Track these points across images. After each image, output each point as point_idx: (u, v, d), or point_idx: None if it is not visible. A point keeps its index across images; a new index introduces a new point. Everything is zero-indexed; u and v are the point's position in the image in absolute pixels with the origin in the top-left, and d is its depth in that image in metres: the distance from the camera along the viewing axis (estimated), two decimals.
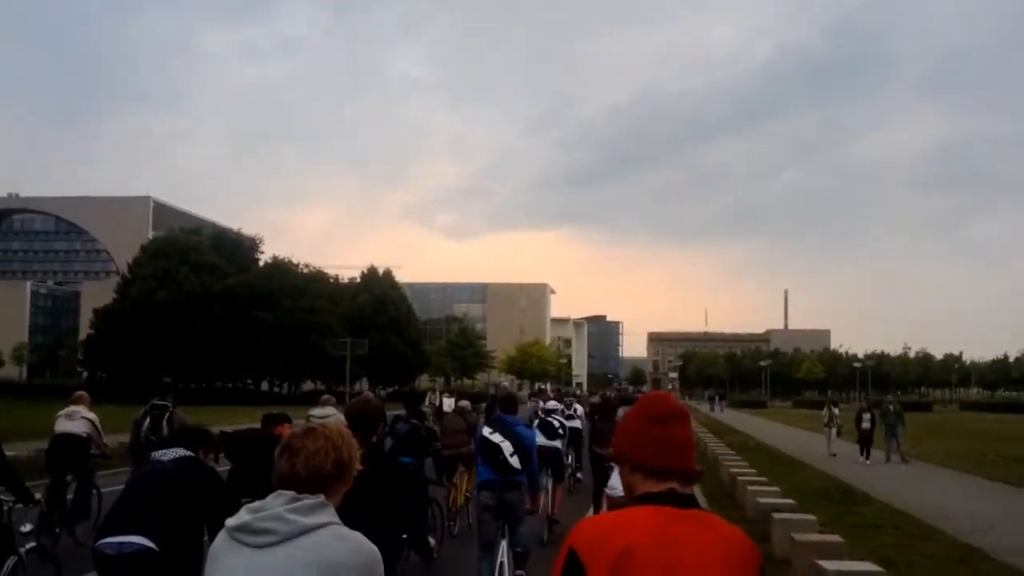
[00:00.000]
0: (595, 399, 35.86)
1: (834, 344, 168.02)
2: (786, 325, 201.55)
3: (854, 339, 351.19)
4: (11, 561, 6.66)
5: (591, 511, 12.35)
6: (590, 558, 2.11)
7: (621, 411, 13.87)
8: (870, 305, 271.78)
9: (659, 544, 2.10)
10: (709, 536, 2.16)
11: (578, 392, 60.16)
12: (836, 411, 28.24)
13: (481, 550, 7.99)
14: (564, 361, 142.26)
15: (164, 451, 5.58)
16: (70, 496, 11.34)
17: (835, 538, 9.82)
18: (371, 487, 3.72)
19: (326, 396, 13.40)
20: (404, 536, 5.34)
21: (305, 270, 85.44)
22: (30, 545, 6.97)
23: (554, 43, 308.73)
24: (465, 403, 15.81)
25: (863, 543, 11.34)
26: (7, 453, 7.38)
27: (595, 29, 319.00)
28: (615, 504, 7.53)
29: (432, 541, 6.61)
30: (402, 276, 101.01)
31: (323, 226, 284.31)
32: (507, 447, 8.09)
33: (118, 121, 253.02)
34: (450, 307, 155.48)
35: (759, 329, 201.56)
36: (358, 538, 2.51)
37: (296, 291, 74.51)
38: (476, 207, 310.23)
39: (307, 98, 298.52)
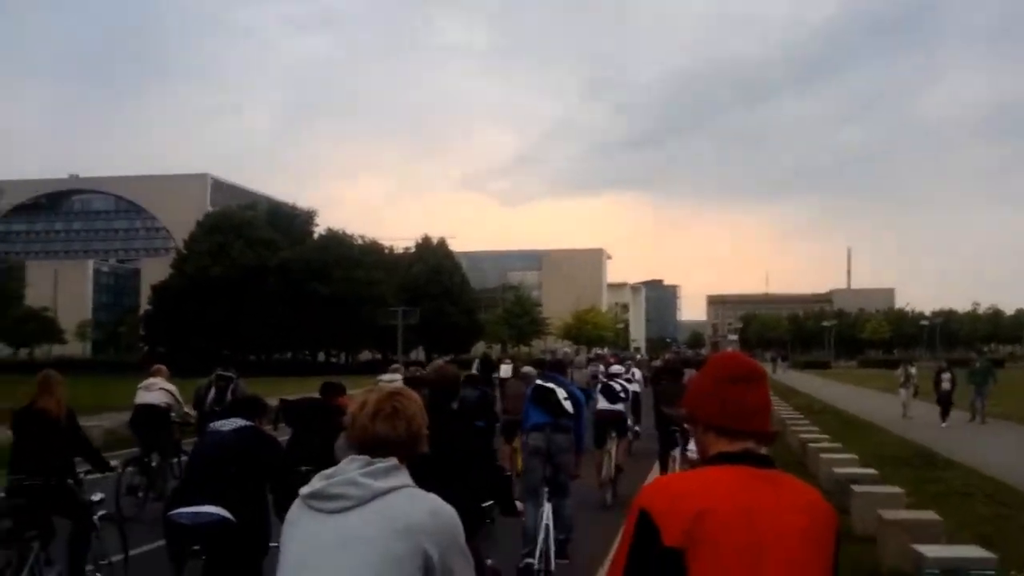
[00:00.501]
0: (657, 362, 34.74)
1: (899, 303, 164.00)
2: (849, 284, 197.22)
3: (920, 297, 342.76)
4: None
5: (656, 474, 12.14)
6: (664, 519, 2.03)
7: (688, 373, 13.90)
8: (936, 262, 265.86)
9: (736, 510, 2.03)
10: (787, 501, 2.08)
11: (637, 356, 59.09)
12: (912, 370, 26.52)
13: (528, 495, 7.94)
14: (621, 326, 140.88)
15: (223, 421, 5.71)
16: (154, 463, 11.84)
17: (930, 515, 8.70)
18: (447, 452, 3.70)
19: (396, 364, 13.77)
20: (487, 505, 5.25)
21: (359, 241, 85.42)
22: (102, 512, 7.21)
23: (609, 4, 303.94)
24: (529, 369, 15.54)
25: (953, 515, 10.12)
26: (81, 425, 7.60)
27: None
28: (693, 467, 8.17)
29: (519, 505, 6.50)
30: (456, 245, 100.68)
31: (377, 197, 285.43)
32: (560, 392, 8.31)
33: (169, 98, 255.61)
34: (505, 275, 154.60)
35: (821, 289, 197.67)
36: (435, 500, 2.46)
37: (351, 263, 74.48)
38: (530, 174, 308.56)
39: (358, 70, 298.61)
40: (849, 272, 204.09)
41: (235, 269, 70.54)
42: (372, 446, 2.49)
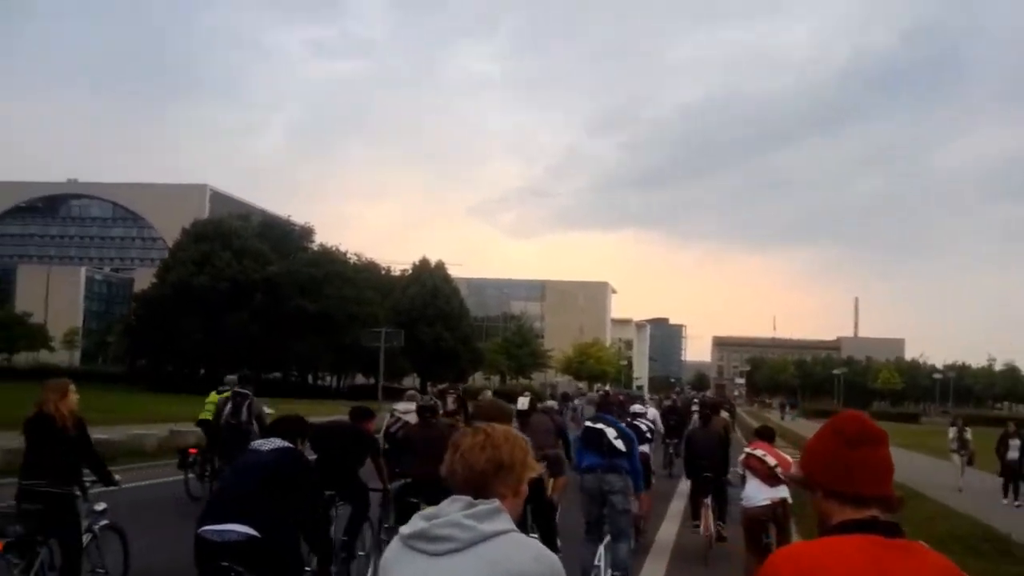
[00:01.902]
0: (667, 402, 32.98)
1: (909, 354, 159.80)
2: (855, 333, 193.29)
3: (930, 350, 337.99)
4: (87, 538, 7.19)
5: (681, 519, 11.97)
6: None
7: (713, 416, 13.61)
8: (948, 315, 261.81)
9: None
10: (926, 570, 2.00)
11: (649, 396, 55.48)
12: (967, 434, 22.06)
13: (587, 533, 8.26)
14: (624, 363, 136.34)
15: (263, 441, 5.83)
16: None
17: None
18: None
19: (411, 392, 13.60)
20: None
21: (355, 260, 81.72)
22: (104, 522, 7.47)
23: (623, 43, 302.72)
24: (551, 403, 15.23)
25: None
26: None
27: (665, 29, 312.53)
28: (753, 515, 8.67)
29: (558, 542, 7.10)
30: (462, 273, 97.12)
31: (386, 223, 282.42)
32: (611, 432, 8.33)
33: (183, 112, 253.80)
34: (507, 304, 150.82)
35: (829, 336, 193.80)
36: (538, 546, 2.44)
37: (341, 280, 70.46)
38: (539, 207, 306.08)
39: (373, 95, 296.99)
40: (856, 321, 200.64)
41: (221, 280, 66.65)
42: (454, 481, 2.47)
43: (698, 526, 11.54)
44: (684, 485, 10.56)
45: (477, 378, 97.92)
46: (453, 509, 2.37)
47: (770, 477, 8.85)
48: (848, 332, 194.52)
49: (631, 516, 8.70)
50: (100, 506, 7.41)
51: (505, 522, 2.37)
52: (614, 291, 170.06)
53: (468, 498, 2.39)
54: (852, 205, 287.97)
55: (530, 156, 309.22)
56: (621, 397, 25.84)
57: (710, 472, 11.66)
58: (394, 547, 2.44)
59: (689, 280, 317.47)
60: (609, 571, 8.00)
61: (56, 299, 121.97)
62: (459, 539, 2.31)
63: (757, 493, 8.87)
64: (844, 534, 2.03)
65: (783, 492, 8.87)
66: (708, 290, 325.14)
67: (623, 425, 8.94)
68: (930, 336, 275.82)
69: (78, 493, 7.10)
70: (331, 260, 73.97)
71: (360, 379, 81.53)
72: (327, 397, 63.89)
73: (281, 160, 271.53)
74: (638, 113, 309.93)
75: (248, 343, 66.21)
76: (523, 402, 20.84)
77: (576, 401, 38.41)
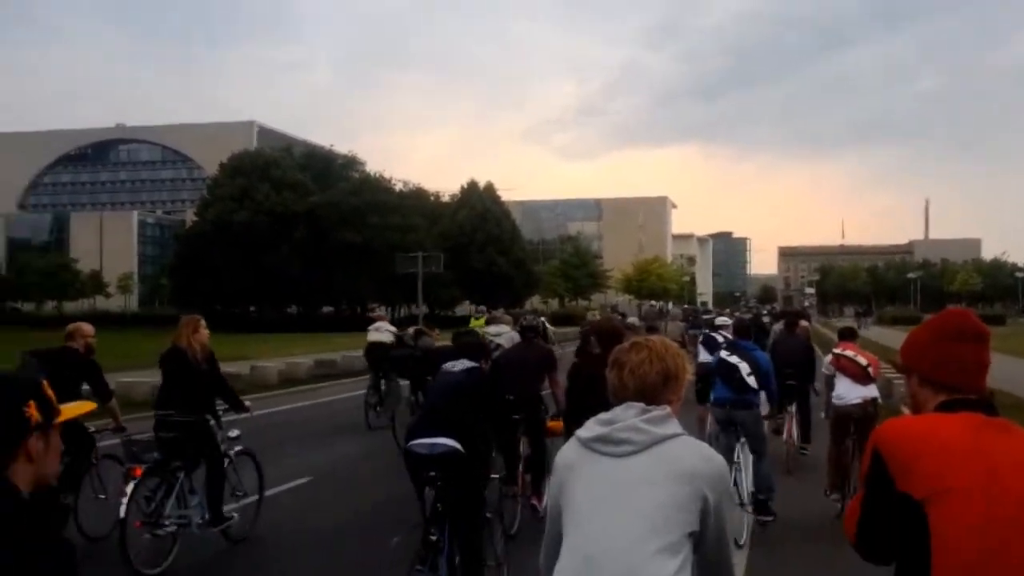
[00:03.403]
0: (747, 315, 30.58)
1: (985, 255, 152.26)
2: (926, 235, 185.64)
3: (1008, 248, 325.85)
4: (224, 463, 7.62)
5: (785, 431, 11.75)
6: (897, 462, 2.08)
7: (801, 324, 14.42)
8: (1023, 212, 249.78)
9: (975, 454, 2.05)
10: (1021, 444, 2.10)
11: (727, 310, 52.29)
12: None
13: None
14: (687, 279, 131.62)
15: (453, 363, 6.17)
16: (383, 387, 15.17)
17: None
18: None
19: (496, 314, 14.78)
20: None
21: (401, 187, 78.49)
22: (239, 448, 7.96)
23: None
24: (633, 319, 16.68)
25: None
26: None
27: None
28: (843, 413, 9.04)
29: None
30: (516, 196, 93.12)
31: (438, 152, 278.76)
32: (744, 367, 8.39)
33: (231, 50, 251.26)
34: (564, 226, 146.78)
35: (899, 240, 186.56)
36: (706, 448, 2.62)
37: (387, 208, 67.26)
38: (595, 126, 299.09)
39: (419, 22, 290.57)
40: (927, 223, 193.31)
41: (259, 214, 64.02)
42: (624, 394, 2.64)
43: (782, 421, 11.78)
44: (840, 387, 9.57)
45: (534, 302, 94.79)
46: (629, 415, 2.57)
47: (862, 376, 9.12)
48: (919, 235, 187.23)
49: (767, 439, 8.90)
50: (234, 432, 7.80)
51: (675, 426, 2.58)
52: (674, 206, 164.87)
53: (641, 404, 2.59)
54: (915, 104, 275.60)
55: (584, 74, 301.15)
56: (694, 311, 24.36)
57: (794, 381, 11.70)
58: (572, 448, 2.65)
59: (752, 191, 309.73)
60: (752, 486, 8.30)
61: (110, 245, 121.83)
62: (637, 441, 2.52)
63: (849, 392, 9.11)
64: (947, 411, 2.16)
65: (873, 391, 9.18)
66: (771, 200, 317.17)
67: (759, 353, 8.93)
68: (1009, 235, 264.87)
69: (211, 421, 7.53)
70: (375, 188, 70.69)
71: (414, 309, 79.00)
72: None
73: (330, 94, 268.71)
74: (692, 22, 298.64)
75: (293, 279, 63.89)
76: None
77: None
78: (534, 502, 8.40)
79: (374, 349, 15.67)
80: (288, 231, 64.70)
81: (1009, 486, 1.99)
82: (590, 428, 2.60)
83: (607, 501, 2.49)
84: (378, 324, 16.48)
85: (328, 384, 22.64)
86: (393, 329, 16.26)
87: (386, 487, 9.70)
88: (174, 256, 71.51)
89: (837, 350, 9.57)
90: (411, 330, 13.37)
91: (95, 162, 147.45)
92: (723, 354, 8.73)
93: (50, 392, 1.97)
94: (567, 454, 2.64)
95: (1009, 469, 2.02)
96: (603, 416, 2.60)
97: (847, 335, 10.14)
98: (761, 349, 9.59)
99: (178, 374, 7.40)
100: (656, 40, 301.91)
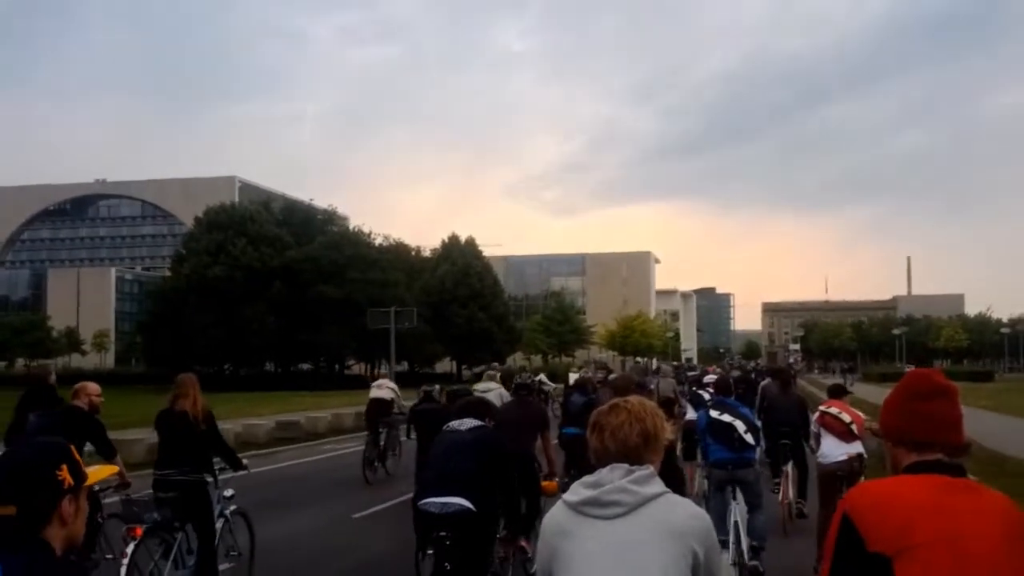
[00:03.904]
0: (735, 372, 31.61)
1: (968, 310, 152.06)
2: (909, 291, 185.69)
3: (991, 304, 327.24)
4: (219, 523, 7.69)
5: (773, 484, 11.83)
6: (867, 525, 2.11)
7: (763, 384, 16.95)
8: (1007, 268, 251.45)
9: (938, 512, 2.10)
10: (986, 505, 2.16)
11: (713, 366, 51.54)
12: None
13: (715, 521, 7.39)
14: (671, 335, 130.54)
15: (459, 421, 6.33)
16: (382, 442, 16.08)
17: None
18: None
19: (491, 371, 14.50)
20: None
21: (382, 241, 77.48)
22: (233, 507, 7.98)
23: (658, 10, 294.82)
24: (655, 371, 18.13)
25: None
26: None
27: None
28: (829, 472, 8.93)
29: None
30: (501, 252, 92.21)
31: (424, 208, 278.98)
32: (740, 425, 8.32)
33: (220, 108, 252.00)
34: (548, 281, 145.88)
35: (883, 296, 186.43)
36: (692, 505, 2.69)
37: (366, 264, 66.08)
38: (580, 183, 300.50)
39: (405, 80, 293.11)
40: (909, 279, 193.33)
41: (236, 269, 62.72)
42: (606, 457, 2.68)
43: (778, 484, 11.63)
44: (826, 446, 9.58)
45: (516, 359, 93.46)
46: (615, 476, 2.61)
47: (845, 433, 9.10)
48: (902, 291, 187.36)
49: (763, 494, 8.88)
50: (228, 492, 7.88)
51: (660, 484, 2.63)
52: (657, 261, 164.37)
53: (626, 466, 2.63)
54: (896, 161, 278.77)
55: (568, 131, 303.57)
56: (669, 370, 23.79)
57: (788, 440, 11.71)
58: (561, 512, 2.67)
59: (735, 247, 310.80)
60: (746, 538, 8.17)
61: (87, 302, 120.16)
62: (626, 503, 2.56)
63: (833, 450, 9.07)
64: (912, 474, 2.24)
65: (858, 448, 9.12)
66: (755, 256, 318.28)
67: (747, 410, 8.95)
68: (991, 290, 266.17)
69: (209, 479, 7.55)
70: (354, 243, 69.57)
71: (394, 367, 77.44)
72: (361, 387, 60.02)
73: (315, 149, 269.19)
74: (675, 81, 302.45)
75: (269, 335, 62.43)
76: (572, 377, 21.74)
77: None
78: (523, 543, 8.27)
79: (374, 406, 16.37)
80: (265, 286, 63.41)
81: (972, 544, 2.03)
82: (577, 492, 2.63)
83: (603, 563, 2.51)
84: (380, 381, 17.62)
85: (285, 448, 21.27)
86: (395, 387, 16.98)
87: (383, 543, 10.11)
88: (147, 312, 69.89)
89: (823, 407, 9.59)
90: (437, 387, 13.86)
91: (75, 217, 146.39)
92: (713, 413, 8.59)
93: (78, 456, 2.03)
94: (557, 518, 2.66)
95: (972, 527, 2.06)
96: (588, 479, 2.64)
97: (836, 392, 10.20)
98: (748, 406, 9.53)
99: (176, 434, 7.46)
100: (640, 97, 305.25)
